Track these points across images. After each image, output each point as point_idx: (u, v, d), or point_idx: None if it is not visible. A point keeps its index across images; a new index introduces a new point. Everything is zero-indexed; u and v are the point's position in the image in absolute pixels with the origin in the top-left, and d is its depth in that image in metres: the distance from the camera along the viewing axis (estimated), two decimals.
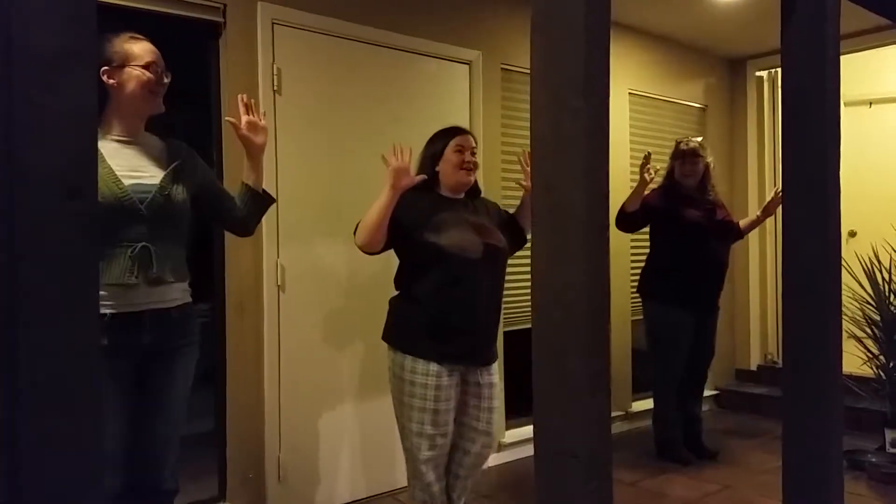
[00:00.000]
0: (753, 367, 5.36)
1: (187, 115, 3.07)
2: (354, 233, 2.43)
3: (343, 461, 3.30)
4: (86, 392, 0.67)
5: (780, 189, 3.95)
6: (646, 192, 3.73)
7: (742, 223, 4.11)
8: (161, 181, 2.03)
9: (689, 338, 3.89)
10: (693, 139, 4.07)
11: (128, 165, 2.00)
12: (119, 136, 2.02)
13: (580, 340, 0.89)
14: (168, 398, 2.08)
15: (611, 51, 0.93)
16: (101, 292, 1.88)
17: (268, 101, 3.03)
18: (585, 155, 0.86)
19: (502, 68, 3.96)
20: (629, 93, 4.66)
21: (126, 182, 1.96)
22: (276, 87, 3.07)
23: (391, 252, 2.49)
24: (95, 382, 0.68)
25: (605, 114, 0.88)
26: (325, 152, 3.26)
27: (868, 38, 4.52)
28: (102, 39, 1.99)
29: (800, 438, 1.70)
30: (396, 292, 2.55)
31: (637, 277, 4.69)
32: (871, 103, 5.25)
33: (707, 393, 5.13)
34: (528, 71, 0.93)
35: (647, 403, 4.78)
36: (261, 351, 3.06)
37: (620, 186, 4.48)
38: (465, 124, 3.75)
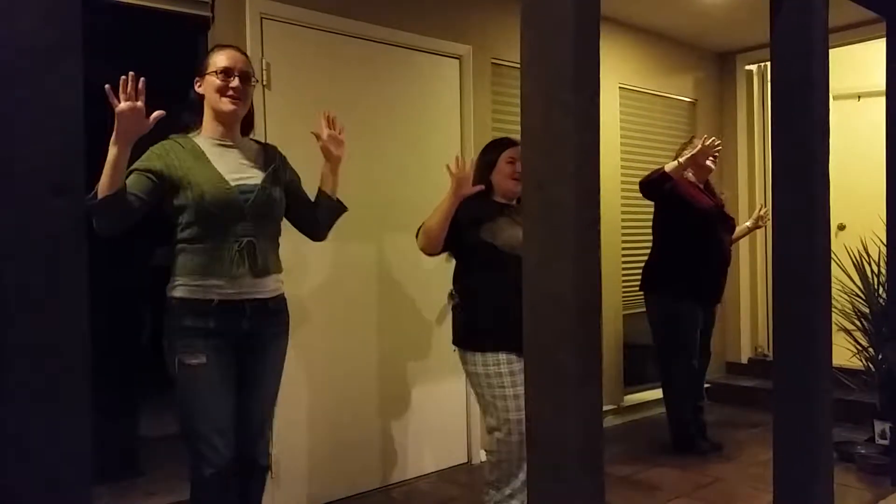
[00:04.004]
0: (744, 360, 5.38)
1: (177, 111, 3.05)
2: (416, 236, 2.62)
3: (336, 457, 3.30)
4: (76, 389, 0.66)
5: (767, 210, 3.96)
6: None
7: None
8: (262, 181, 2.22)
9: (697, 330, 3.88)
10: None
11: (231, 168, 2.20)
12: (216, 138, 2.23)
13: (571, 335, 0.89)
14: (263, 380, 2.28)
15: (600, 45, 0.93)
16: (212, 281, 2.12)
17: (257, 97, 3.02)
18: (576, 150, 0.85)
19: (493, 63, 3.95)
20: (619, 87, 4.66)
21: (232, 183, 2.16)
22: (265, 82, 3.06)
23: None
24: (86, 378, 0.67)
25: (596, 108, 0.88)
26: (315, 147, 3.23)
27: (856, 32, 4.53)
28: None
29: (790, 431, 1.71)
30: (453, 291, 2.72)
31: (631, 273, 4.68)
32: (859, 97, 5.27)
33: None
34: (519, 66, 0.93)
35: (640, 397, 4.80)
36: None
37: (611, 182, 4.48)
38: (455, 119, 3.74)
